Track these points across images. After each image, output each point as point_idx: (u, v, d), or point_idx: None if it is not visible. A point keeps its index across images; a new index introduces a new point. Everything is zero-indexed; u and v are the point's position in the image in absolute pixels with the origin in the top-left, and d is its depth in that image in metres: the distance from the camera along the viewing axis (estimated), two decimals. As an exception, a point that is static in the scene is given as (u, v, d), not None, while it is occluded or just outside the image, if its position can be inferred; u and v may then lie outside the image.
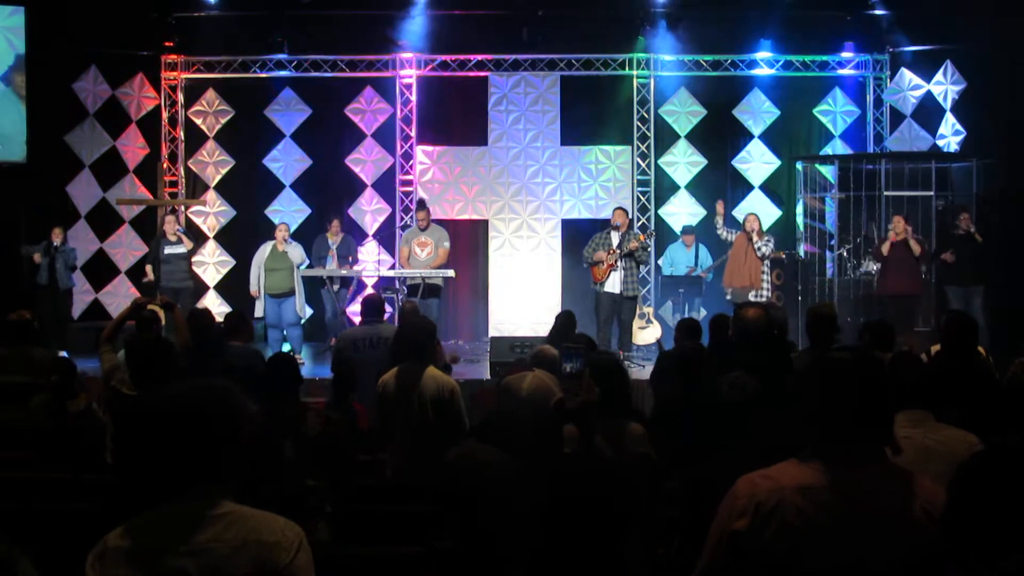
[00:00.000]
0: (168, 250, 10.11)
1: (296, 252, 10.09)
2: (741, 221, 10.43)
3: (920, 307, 9.96)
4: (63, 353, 8.90)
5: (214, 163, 12.19)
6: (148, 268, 10.46)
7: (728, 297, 10.05)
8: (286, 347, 9.83)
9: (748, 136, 12.05)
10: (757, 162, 12.06)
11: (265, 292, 9.96)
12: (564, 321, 7.11)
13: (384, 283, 11.24)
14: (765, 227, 10.75)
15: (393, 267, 10.21)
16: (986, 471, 1.83)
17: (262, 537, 1.91)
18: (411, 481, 4.55)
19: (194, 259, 11.22)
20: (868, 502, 1.94)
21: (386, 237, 12.03)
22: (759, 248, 9.89)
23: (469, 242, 12.16)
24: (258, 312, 9.98)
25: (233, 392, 1.99)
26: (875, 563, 1.91)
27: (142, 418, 2.00)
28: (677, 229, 11.63)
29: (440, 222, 11.87)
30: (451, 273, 10.35)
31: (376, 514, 3.92)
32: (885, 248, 9.57)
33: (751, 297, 9.79)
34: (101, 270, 11.57)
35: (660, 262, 11.20)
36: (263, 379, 4.36)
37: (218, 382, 2.02)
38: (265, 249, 10.05)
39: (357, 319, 11.21)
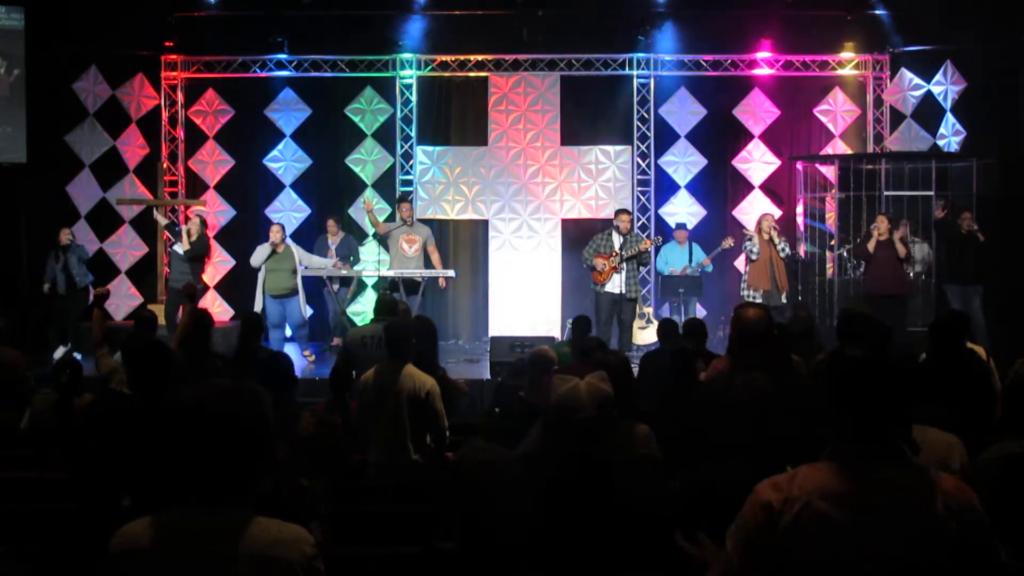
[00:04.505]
0: (174, 247, 10.22)
1: (298, 252, 10.10)
2: (752, 224, 10.33)
3: (908, 307, 9.92)
4: (77, 355, 8.95)
5: (214, 163, 12.19)
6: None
7: (758, 301, 9.84)
8: (288, 348, 9.83)
9: (748, 136, 12.05)
10: (757, 162, 12.06)
11: (266, 293, 9.95)
12: (581, 326, 7.18)
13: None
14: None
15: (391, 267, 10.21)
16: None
17: (279, 553, 1.89)
18: (391, 479, 4.57)
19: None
20: (890, 503, 1.93)
21: (386, 237, 12.02)
22: (783, 249, 9.84)
23: (469, 242, 12.17)
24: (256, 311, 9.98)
25: (262, 397, 1.96)
26: (900, 563, 1.91)
27: (170, 420, 1.97)
28: (677, 230, 11.63)
29: (440, 222, 11.91)
30: (451, 273, 10.37)
31: (371, 514, 3.92)
32: (871, 245, 9.51)
33: (784, 300, 9.74)
34: (101, 270, 11.55)
35: (656, 262, 11.20)
36: (259, 379, 4.36)
37: (248, 385, 1.98)
38: (264, 250, 10.03)
39: (357, 319, 11.29)
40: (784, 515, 1.94)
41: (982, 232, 9.68)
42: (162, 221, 11.09)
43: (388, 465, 4.69)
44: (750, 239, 10.02)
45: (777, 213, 11.87)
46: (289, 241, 10.21)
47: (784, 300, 9.82)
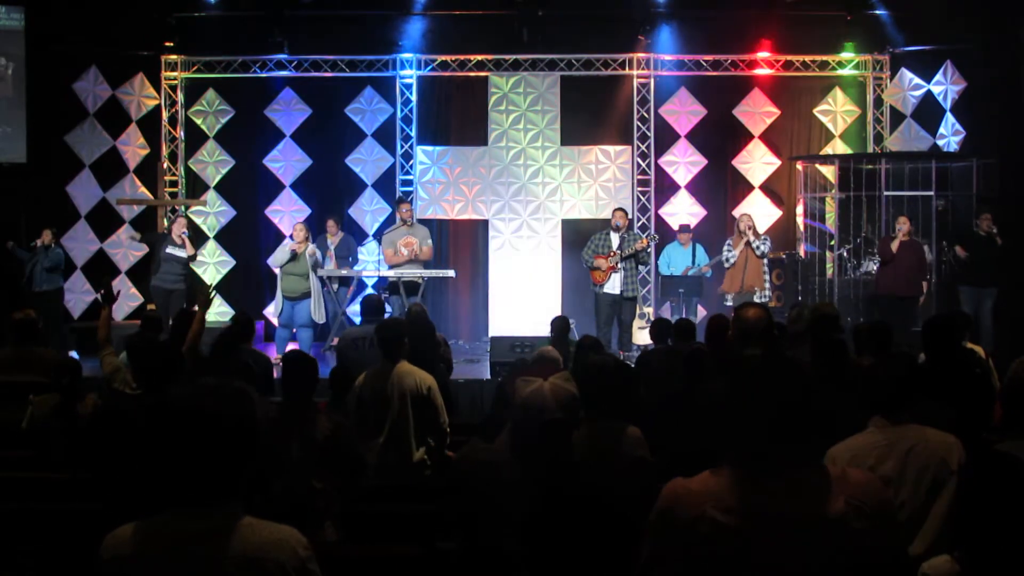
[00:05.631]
0: (169, 250, 10.11)
1: (311, 258, 10.06)
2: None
3: (919, 308, 9.92)
4: (73, 354, 8.93)
5: (214, 163, 12.19)
6: (142, 241, 10.58)
7: (728, 303, 9.85)
8: (290, 347, 9.83)
9: (748, 136, 12.05)
10: (757, 162, 12.05)
11: (281, 294, 10.01)
12: (560, 326, 7.21)
13: (383, 282, 11.24)
14: (765, 227, 10.76)
15: (392, 267, 10.19)
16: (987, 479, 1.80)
17: (269, 554, 1.88)
18: (392, 478, 4.57)
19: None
20: (785, 508, 1.88)
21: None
22: (758, 247, 9.83)
23: (469, 242, 12.16)
24: (275, 312, 10.06)
25: (249, 395, 1.95)
26: (798, 569, 1.86)
27: (156, 421, 1.96)
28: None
29: (440, 222, 11.91)
30: (451, 273, 10.37)
31: (383, 514, 3.92)
32: (895, 245, 9.51)
33: (756, 299, 9.71)
34: (101, 270, 11.56)
35: (658, 262, 11.20)
36: (281, 379, 4.37)
37: (234, 384, 1.97)
38: (284, 253, 10.05)
39: (357, 319, 11.28)
40: (680, 520, 1.91)
41: (1000, 235, 9.63)
42: (136, 237, 10.95)
43: (391, 466, 4.67)
44: (728, 245, 10.06)
45: (777, 213, 11.89)
46: (311, 246, 10.14)
47: (758, 298, 9.76)
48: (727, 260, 10.03)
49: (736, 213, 11.86)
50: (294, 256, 9.91)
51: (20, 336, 5.86)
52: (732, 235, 10.19)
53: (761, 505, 1.88)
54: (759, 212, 11.07)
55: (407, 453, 4.71)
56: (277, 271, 10.30)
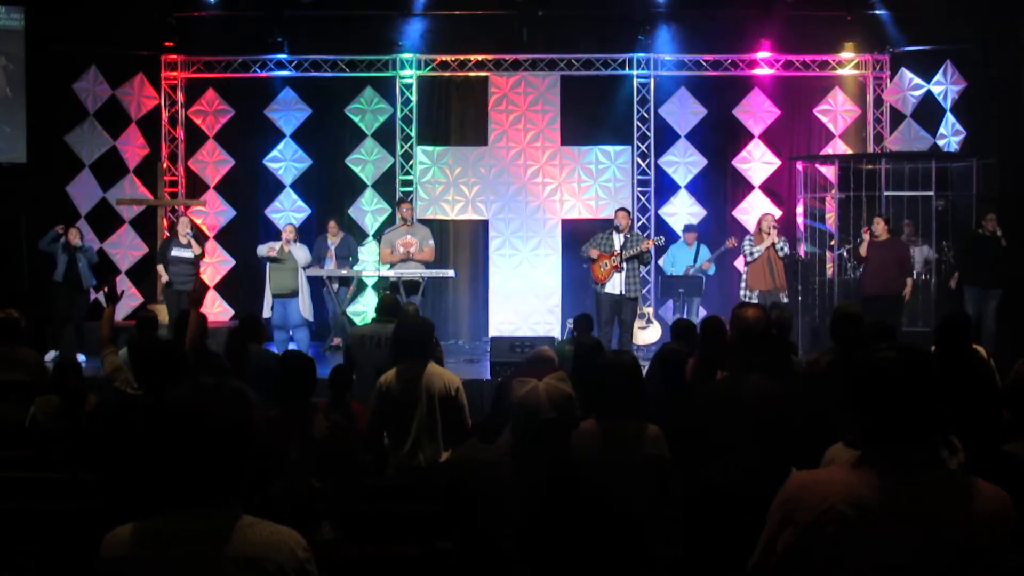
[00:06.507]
0: (176, 252, 10.16)
1: (301, 254, 10.14)
2: (752, 225, 10.32)
3: (904, 307, 9.89)
4: (80, 356, 8.95)
5: (214, 163, 12.19)
6: (160, 268, 10.52)
7: (753, 301, 9.83)
8: (291, 347, 9.84)
9: (748, 136, 12.05)
10: (757, 162, 12.05)
11: (271, 293, 10.07)
12: (583, 324, 7.21)
13: (383, 282, 11.24)
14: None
15: (393, 267, 10.20)
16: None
17: (268, 555, 1.88)
18: (417, 479, 4.56)
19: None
20: (918, 511, 1.87)
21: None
22: (782, 248, 9.85)
23: (469, 242, 12.16)
24: (266, 313, 10.09)
25: (246, 395, 1.94)
26: (922, 573, 1.86)
27: (154, 422, 1.96)
28: (677, 229, 11.64)
29: (440, 222, 11.90)
30: (451, 273, 10.37)
31: (381, 514, 3.92)
32: (863, 248, 9.54)
33: (783, 298, 9.73)
34: (104, 270, 11.54)
35: (662, 262, 11.20)
36: (279, 379, 4.36)
37: (232, 383, 1.96)
38: (264, 248, 10.24)
39: (357, 319, 11.29)
40: (806, 512, 1.90)
41: (1004, 236, 9.62)
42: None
43: (418, 467, 4.66)
44: (750, 239, 10.04)
45: (777, 213, 11.87)
46: (297, 243, 10.24)
47: (784, 299, 9.81)
48: (751, 254, 10.00)
49: (737, 213, 11.91)
50: (276, 252, 10.07)
51: (2, 336, 5.91)
52: (752, 234, 10.13)
53: (894, 506, 1.87)
54: (759, 212, 11.04)
55: (435, 454, 4.70)
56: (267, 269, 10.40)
